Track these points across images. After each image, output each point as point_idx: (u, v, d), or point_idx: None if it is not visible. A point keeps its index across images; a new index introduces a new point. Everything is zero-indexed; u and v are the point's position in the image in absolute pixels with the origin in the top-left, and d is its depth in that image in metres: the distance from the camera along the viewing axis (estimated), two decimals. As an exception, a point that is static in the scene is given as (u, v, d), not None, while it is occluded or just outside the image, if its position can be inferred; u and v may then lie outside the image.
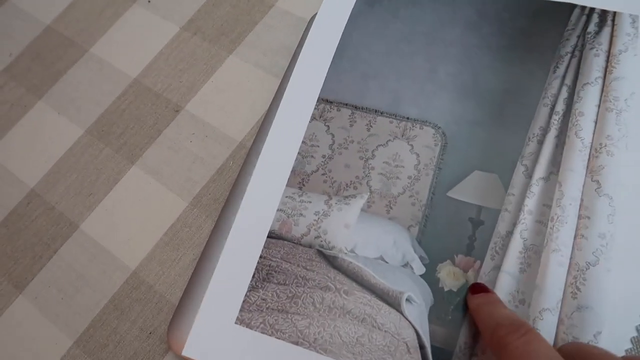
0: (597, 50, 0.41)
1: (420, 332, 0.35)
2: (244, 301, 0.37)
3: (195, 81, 0.48)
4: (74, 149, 0.47)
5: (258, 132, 0.42)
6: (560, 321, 0.33)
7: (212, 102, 0.47)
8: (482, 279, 0.35)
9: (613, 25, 0.41)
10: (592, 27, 0.42)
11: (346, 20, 0.45)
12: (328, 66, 0.43)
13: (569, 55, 0.41)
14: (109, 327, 0.40)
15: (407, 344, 0.34)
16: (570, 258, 0.35)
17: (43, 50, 0.52)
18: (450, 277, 0.36)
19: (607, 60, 0.40)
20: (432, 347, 0.34)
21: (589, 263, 0.34)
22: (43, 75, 0.51)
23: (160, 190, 0.44)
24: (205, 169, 0.44)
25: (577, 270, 0.34)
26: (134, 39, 0.51)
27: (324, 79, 0.43)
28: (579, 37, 0.41)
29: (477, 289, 0.34)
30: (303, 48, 0.44)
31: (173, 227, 0.43)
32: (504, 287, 0.35)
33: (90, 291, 0.41)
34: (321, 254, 0.38)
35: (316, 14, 0.46)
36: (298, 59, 0.44)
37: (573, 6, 0.42)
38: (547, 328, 0.33)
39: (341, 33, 0.44)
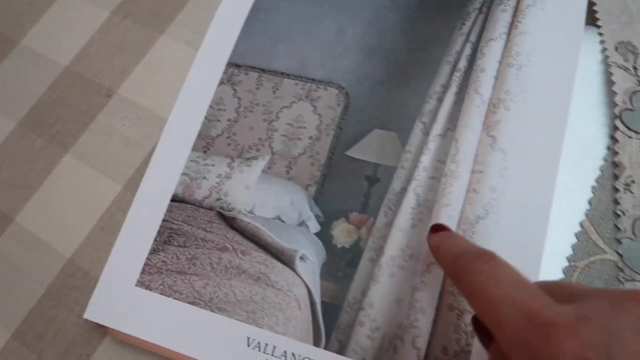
0: (504, 6, 0.40)
1: (312, 289, 0.35)
2: (145, 264, 0.37)
3: (127, 65, 0.48)
4: (7, 143, 0.47)
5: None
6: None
7: (144, 84, 0.47)
8: (375, 235, 0.35)
9: (524, -19, 0.41)
10: (501, -16, 0.41)
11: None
12: (238, 32, 0.43)
13: (477, 11, 0.40)
14: (47, 316, 0.40)
15: (298, 301, 0.34)
16: (461, 212, 0.34)
17: (-26, 47, 0.52)
18: (343, 234, 0.36)
19: (514, 16, 0.40)
20: (323, 303, 0.34)
21: (478, 217, 0.34)
22: (-26, 72, 0.51)
23: (94, 176, 0.44)
24: (138, 151, 0.44)
25: (467, 224, 0.34)
26: (65, 27, 0.51)
27: (233, 44, 0.43)
28: (487, -7, 0.41)
29: (438, 227, 0.33)
30: (215, 15, 0.44)
31: (108, 211, 0.42)
32: (395, 243, 0.35)
33: (27, 282, 0.41)
34: (221, 215, 0.38)
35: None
36: (209, 27, 0.44)
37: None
38: (433, 281, 0.33)
39: (251, 3, 0.44)
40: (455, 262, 0.27)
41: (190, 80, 0.42)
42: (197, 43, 0.46)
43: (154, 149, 0.43)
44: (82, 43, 0.50)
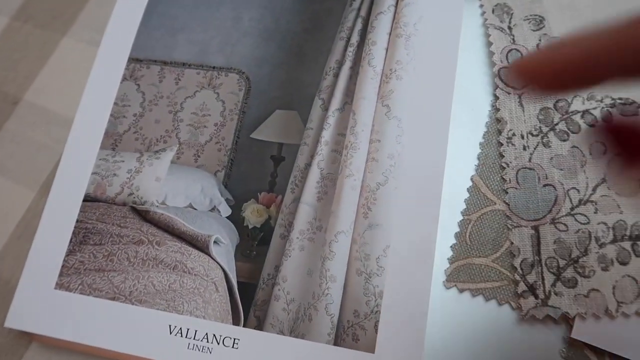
0: (391, -20, 0.41)
1: (228, 271, 0.36)
2: (62, 266, 0.37)
3: (31, 69, 0.47)
4: None
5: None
6: (353, 241, 0.35)
7: (50, 88, 0.46)
8: (284, 212, 0.37)
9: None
10: (388, -42, 0.42)
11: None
12: (136, 27, 0.43)
13: (365, -13, 0.42)
14: None
15: (215, 284, 0.35)
16: (362, 181, 0.36)
17: None
18: (254, 214, 0.37)
19: (401, -11, 0.41)
20: (239, 282, 0.35)
21: (379, 183, 0.36)
22: None
23: (6, 185, 0.43)
24: (50, 154, 0.44)
25: (369, 192, 0.36)
26: None
27: (132, 40, 0.43)
28: (375, -31, 0.42)
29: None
30: (112, 12, 0.44)
31: (23, 219, 0.42)
32: (303, 217, 0.36)
33: None
34: (134, 210, 0.39)
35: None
36: (107, 24, 0.44)
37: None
38: (341, 249, 0.35)
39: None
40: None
41: (93, 79, 0.42)
42: (100, 42, 0.46)
43: None
44: None
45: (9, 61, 0.47)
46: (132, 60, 0.42)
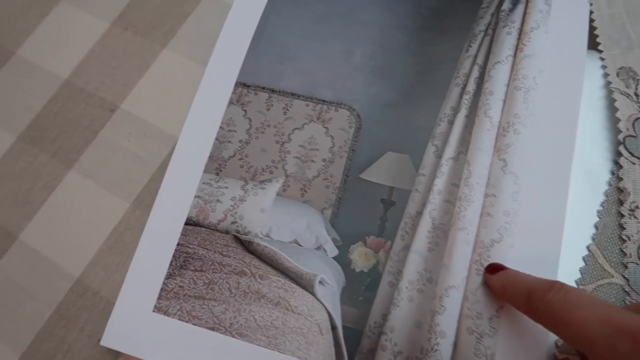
0: (509, 28, 0.41)
1: (332, 314, 0.35)
2: (161, 289, 0.37)
3: (129, 78, 0.47)
4: (6, 157, 0.45)
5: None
6: (464, 297, 0.34)
7: (148, 99, 0.46)
8: (392, 259, 0.36)
9: (527, 2, 0.42)
10: (506, 5, 0.42)
11: (264, 3, 0.44)
12: (246, 50, 0.43)
13: (482, 33, 0.41)
14: (56, 337, 0.39)
15: (319, 326, 0.35)
16: (476, 236, 0.36)
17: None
18: (362, 258, 0.36)
19: (519, 38, 0.41)
20: (344, 327, 0.35)
21: (493, 240, 0.35)
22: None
23: (100, 194, 0.43)
24: (145, 168, 0.43)
25: (482, 248, 0.35)
26: (63, 37, 0.49)
27: (241, 62, 0.42)
28: (492, 15, 0.42)
29: (495, 268, 0.34)
30: (221, 32, 0.44)
31: (115, 230, 0.42)
32: (413, 267, 0.36)
33: (33, 303, 0.40)
34: (237, 239, 0.38)
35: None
36: (216, 44, 0.43)
37: (487, -16, 0.43)
38: (452, 304, 0.34)
39: (259, 16, 0.44)
40: (529, 299, 0.29)
41: (200, 98, 0.42)
42: (200, 57, 0.46)
43: (161, 165, 0.43)
44: (81, 55, 0.48)
45: (108, 67, 0.47)
46: (240, 84, 0.42)
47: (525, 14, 0.42)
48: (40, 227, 0.43)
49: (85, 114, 0.46)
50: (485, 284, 0.34)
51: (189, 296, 0.37)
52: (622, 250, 0.35)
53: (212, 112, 0.41)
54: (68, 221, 0.42)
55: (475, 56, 0.41)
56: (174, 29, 0.48)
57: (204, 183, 0.39)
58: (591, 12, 0.41)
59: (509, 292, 0.32)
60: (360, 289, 0.36)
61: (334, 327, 0.35)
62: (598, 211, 0.36)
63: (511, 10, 0.42)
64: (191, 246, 0.38)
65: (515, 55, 0.40)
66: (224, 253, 0.38)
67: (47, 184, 0.44)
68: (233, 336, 0.35)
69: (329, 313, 0.35)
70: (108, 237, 0.42)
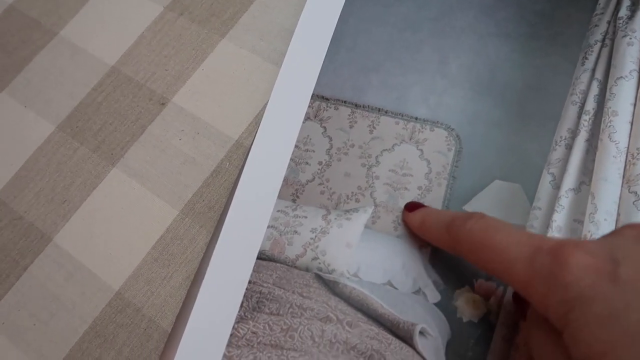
0: (630, 39, 0.36)
1: (436, 371, 0.30)
2: (231, 335, 0.32)
3: (183, 69, 0.42)
4: (44, 149, 0.41)
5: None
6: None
7: (203, 94, 0.41)
8: (506, 309, 0.31)
9: (646, 9, 0.36)
10: (623, 12, 0.37)
11: (342, 4, 0.39)
12: (323, 57, 0.38)
13: (599, 44, 0.36)
14: (91, 357, 0.35)
15: (421, 386, 0.30)
16: (608, 283, 0.30)
17: (4, 33, 0.46)
18: (469, 306, 0.31)
19: (642, 51, 0.35)
20: (450, 388, 0.30)
21: (629, 289, 0.30)
22: (4, 63, 0.45)
23: (145, 197, 0.39)
24: (197, 171, 0.39)
25: (616, 298, 0.30)
26: (111, 19, 0.45)
27: (318, 71, 0.37)
28: (609, 22, 0.36)
29: (414, 205, 0.33)
30: (294, 36, 0.39)
31: (162, 239, 0.37)
32: (532, 318, 0.30)
33: (67, 315, 0.36)
34: (320, 278, 0.33)
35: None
36: (288, 49, 0.38)
37: (602, -13, 0.37)
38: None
39: (337, 18, 0.39)
40: (449, 229, 0.29)
41: (274, 106, 0.37)
42: (264, 51, 0.41)
43: (215, 170, 0.38)
44: (130, 40, 0.44)
45: (159, 56, 0.43)
46: (317, 97, 0.37)
47: (646, 22, 0.36)
48: (78, 229, 0.38)
49: (132, 106, 0.41)
50: (404, 222, 0.33)
51: (264, 344, 0.32)
52: None
53: (286, 125, 0.36)
54: (108, 225, 0.38)
55: (594, 70, 0.35)
56: (234, 17, 0.43)
57: (278, 211, 0.34)
58: None
59: (427, 226, 0.31)
60: (469, 342, 0.30)
61: (439, 389, 0.30)
62: None
63: (630, 17, 0.36)
64: (265, 285, 0.33)
65: (640, 70, 0.35)
66: (304, 294, 0.33)
67: (87, 181, 0.39)
68: (318, 395, 0.30)
69: (432, 371, 0.30)
70: (153, 247, 0.37)
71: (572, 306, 0.22)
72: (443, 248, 0.31)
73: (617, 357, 0.20)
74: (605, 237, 0.25)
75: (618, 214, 0.31)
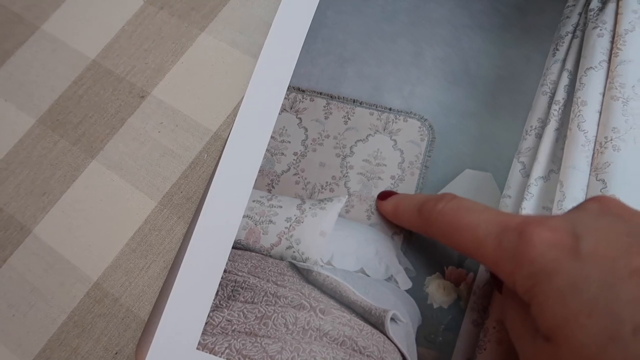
0: (600, 30, 0.36)
1: (407, 356, 0.30)
2: (206, 323, 0.32)
3: (162, 63, 0.43)
4: (24, 141, 0.41)
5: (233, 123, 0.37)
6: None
7: (182, 87, 0.41)
8: (476, 294, 0.31)
9: (618, 1, 0.37)
10: (594, 3, 0.37)
11: (319, -4, 0.40)
12: (299, 49, 0.38)
13: (570, 35, 0.36)
14: (69, 347, 0.35)
15: (392, 370, 0.30)
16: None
17: (-14, 28, 0.46)
18: (440, 291, 0.32)
19: (612, 42, 0.36)
20: (421, 373, 0.30)
21: (595, 275, 0.30)
22: (-14, 57, 0.45)
23: (124, 188, 0.39)
24: (176, 163, 0.39)
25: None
26: (92, 14, 0.45)
27: (295, 63, 0.38)
28: (580, 14, 0.37)
29: (386, 194, 0.34)
30: (271, 28, 0.39)
31: (140, 230, 0.38)
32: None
33: (46, 306, 0.36)
34: (294, 266, 0.33)
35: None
36: (265, 41, 0.39)
37: (574, -21, 0.38)
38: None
39: (314, 10, 0.39)
40: (421, 211, 0.29)
41: (250, 97, 0.37)
42: (243, 44, 0.42)
43: (193, 162, 0.39)
44: (111, 34, 0.44)
45: (139, 50, 0.43)
46: (293, 89, 0.37)
47: (617, 14, 0.37)
48: (57, 221, 0.39)
49: (112, 99, 0.42)
50: (378, 211, 0.34)
51: (239, 332, 0.32)
52: None
53: (262, 116, 0.36)
54: (88, 217, 0.38)
55: (564, 61, 0.36)
56: (214, 11, 0.44)
57: (253, 201, 0.35)
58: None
59: (400, 211, 0.32)
60: (440, 328, 0.31)
61: (409, 373, 0.30)
62: None
63: (601, 9, 0.37)
64: (240, 274, 0.33)
65: (609, 61, 0.35)
66: (278, 282, 0.33)
67: (67, 174, 0.40)
68: (291, 380, 0.31)
69: (402, 355, 0.31)
70: (131, 238, 0.37)
71: (537, 280, 0.23)
72: (416, 231, 0.32)
73: (577, 326, 0.21)
74: (570, 211, 0.26)
75: (586, 202, 0.32)
